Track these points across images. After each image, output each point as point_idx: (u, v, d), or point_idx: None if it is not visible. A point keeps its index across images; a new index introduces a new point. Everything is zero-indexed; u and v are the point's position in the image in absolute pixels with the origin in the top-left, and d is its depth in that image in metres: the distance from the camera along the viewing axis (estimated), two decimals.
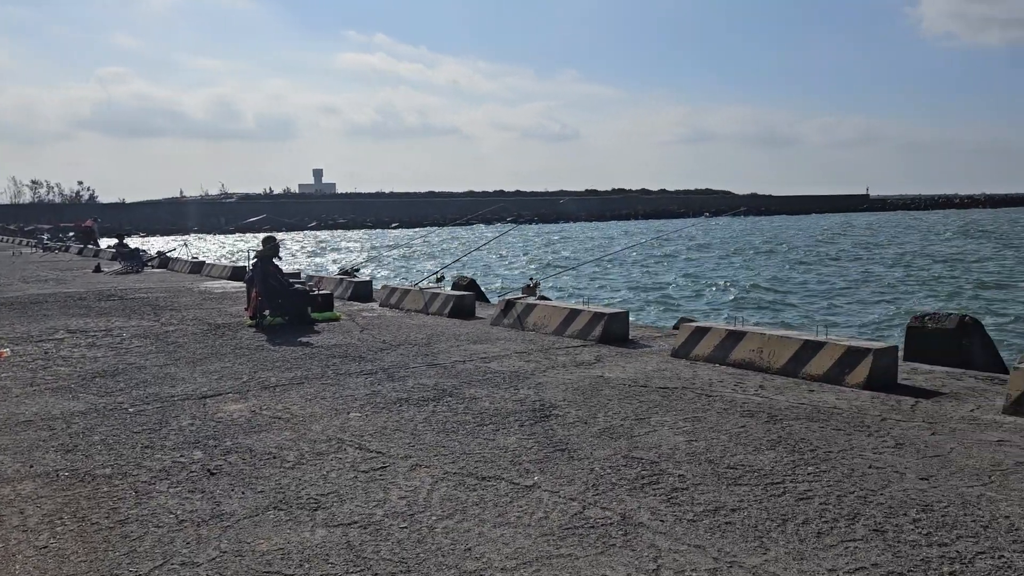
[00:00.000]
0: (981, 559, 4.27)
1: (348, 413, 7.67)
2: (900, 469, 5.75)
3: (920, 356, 10.52)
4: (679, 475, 5.72)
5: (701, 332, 10.24)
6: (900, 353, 9.99)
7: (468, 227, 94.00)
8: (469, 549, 4.54)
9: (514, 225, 69.05)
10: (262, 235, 15.09)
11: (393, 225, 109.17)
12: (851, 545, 4.48)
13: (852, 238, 71.18)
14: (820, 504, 5.11)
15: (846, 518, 4.86)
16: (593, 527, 4.81)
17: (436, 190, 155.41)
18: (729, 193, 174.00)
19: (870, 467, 5.81)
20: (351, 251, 64.38)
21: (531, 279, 14.90)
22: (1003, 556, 4.29)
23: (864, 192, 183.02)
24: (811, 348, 8.97)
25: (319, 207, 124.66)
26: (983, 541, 4.49)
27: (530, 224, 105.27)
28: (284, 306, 14.01)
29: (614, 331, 11.59)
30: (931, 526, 4.72)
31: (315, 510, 5.19)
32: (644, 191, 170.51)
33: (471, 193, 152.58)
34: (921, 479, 5.54)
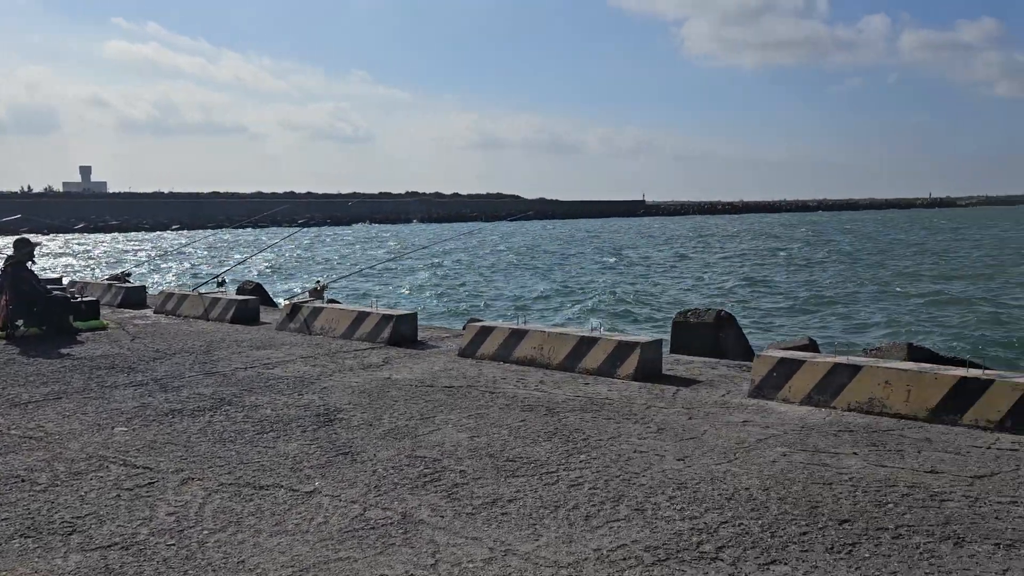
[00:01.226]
0: (724, 528, 4.74)
1: (112, 428, 7.11)
2: (661, 452, 6.25)
3: (684, 348, 11.50)
4: (460, 471, 5.85)
5: (486, 331, 10.52)
6: (667, 346, 10.86)
7: (261, 229, 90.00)
8: (242, 561, 4.38)
9: (300, 228, 67.04)
10: (13, 238, 13.58)
11: (173, 227, 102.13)
12: (615, 525, 4.81)
13: (630, 238, 76.19)
14: (589, 489, 5.43)
15: (612, 500, 5.21)
16: (373, 528, 4.81)
17: (222, 190, 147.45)
18: (519, 197, 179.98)
19: (635, 451, 6.26)
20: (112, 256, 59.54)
21: (318, 281, 14.57)
22: (742, 524, 4.79)
23: (641, 198, 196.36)
24: (586, 344, 9.51)
25: (88, 207, 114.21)
26: (727, 512, 4.99)
27: (322, 227, 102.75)
28: (41, 315, 12.72)
29: (403, 333, 11.62)
30: (684, 502, 5.18)
31: (69, 534, 4.77)
32: (438, 194, 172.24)
33: (260, 194, 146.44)
34: (678, 460, 6.05)
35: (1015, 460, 5.95)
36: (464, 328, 12.16)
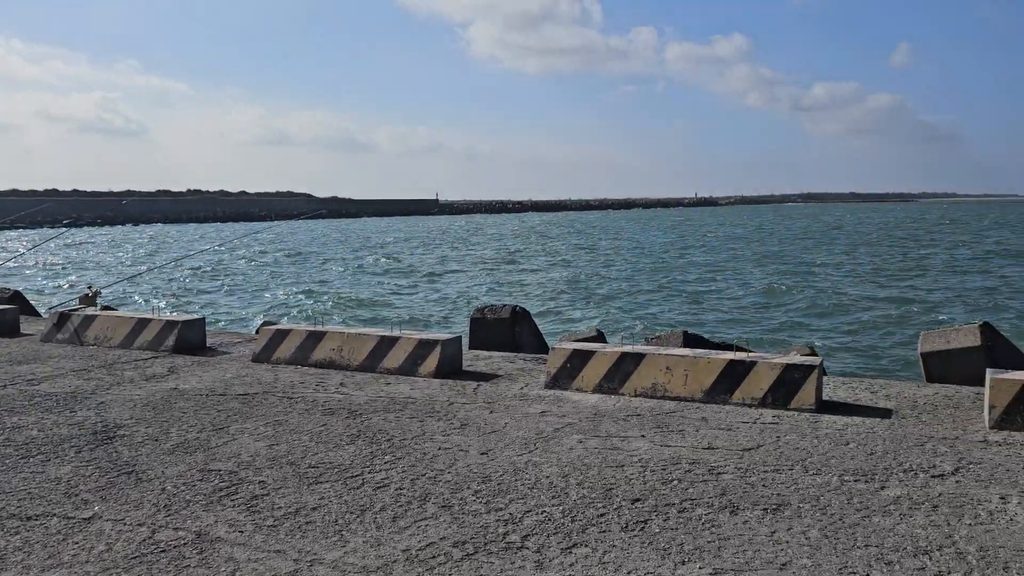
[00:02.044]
0: (528, 516, 4.90)
1: None
2: (465, 447, 6.35)
3: (482, 344, 11.74)
4: (259, 481, 5.61)
5: (282, 334, 10.15)
6: (466, 342, 11.03)
7: (20, 231, 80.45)
8: None
9: (66, 229, 60.94)
10: None
11: None
12: (423, 524, 4.82)
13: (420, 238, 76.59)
14: (396, 490, 5.40)
15: (419, 499, 5.22)
16: (164, 551, 4.48)
17: None
18: (311, 196, 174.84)
19: (440, 449, 6.31)
20: None
21: (89, 287, 13.32)
22: (545, 511, 4.98)
23: (435, 197, 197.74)
24: (387, 343, 9.44)
25: None
26: (530, 501, 5.17)
27: (93, 227, 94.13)
28: None
29: (189, 339, 10.93)
30: (489, 494, 5.30)
31: None
32: (223, 192, 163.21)
33: (15, 192, 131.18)
34: (482, 454, 6.17)
35: (776, 432, 6.65)
36: (257, 332, 11.64)
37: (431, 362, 9.09)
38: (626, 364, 8.15)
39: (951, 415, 7.15)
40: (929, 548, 4.36)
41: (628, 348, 8.39)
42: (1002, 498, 5.10)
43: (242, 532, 4.73)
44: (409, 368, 9.18)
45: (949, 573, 4.07)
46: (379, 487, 5.47)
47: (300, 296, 31.98)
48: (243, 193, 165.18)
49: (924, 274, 37.70)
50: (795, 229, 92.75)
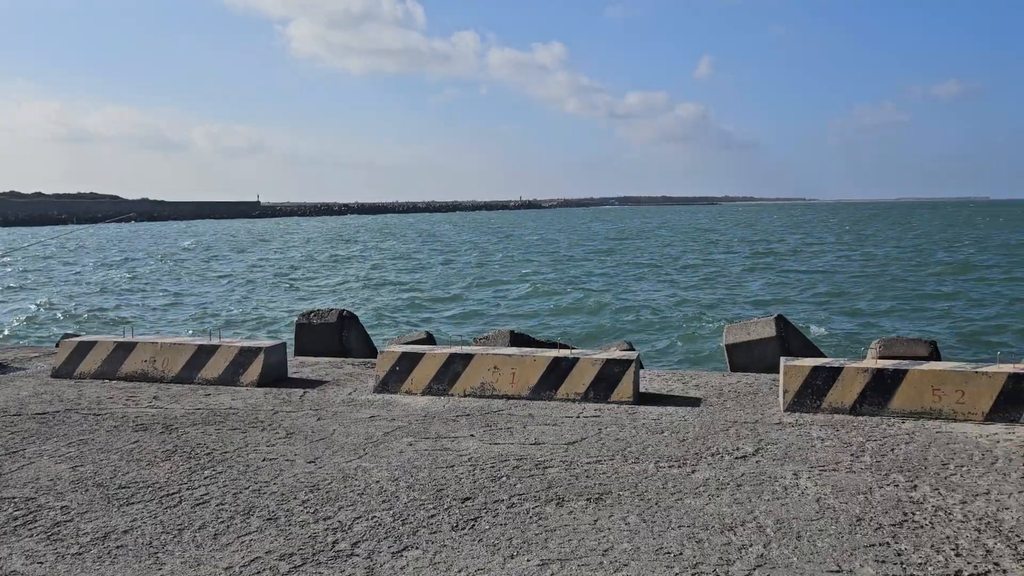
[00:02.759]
0: (358, 523, 4.84)
1: None
2: (291, 457, 6.17)
3: (309, 350, 11.43)
4: (62, 507, 5.17)
5: (86, 347, 9.40)
6: (291, 348, 10.70)
7: None
8: None
9: None
10: None
11: None
12: (247, 539, 4.64)
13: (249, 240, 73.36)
14: (217, 505, 5.16)
15: (242, 514, 5.02)
16: None
17: None
18: (118, 198, 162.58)
19: (264, 460, 6.10)
20: None
21: None
22: (375, 516, 4.94)
23: (256, 199, 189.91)
24: (206, 352, 8.99)
25: None
26: (359, 507, 5.10)
27: None
28: None
29: None
30: (318, 503, 5.18)
31: None
32: (14, 194, 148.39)
33: None
34: (309, 463, 6.02)
35: (597, 425, 6.96)
36: (58, 345, 10.70)
37: (254, 370, 8.75)
38: (455, 365, 8.23)
39: (752, 401, 7.78)
40: (734, 524, 4.74)
41: (457, 349, 8.48)
42: (795, 474, 5.62)
43: (42, 563, 4.35)
44: (231, 378, 8.78)
45: (751, 546, 4.44)
46: (198, 504, 5.20)
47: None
48: (38, 194, 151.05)
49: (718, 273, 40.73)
50: (594, 231, 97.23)
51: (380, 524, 4.82)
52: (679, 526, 4.72)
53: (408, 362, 8.38)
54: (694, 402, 7.78)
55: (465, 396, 8.06)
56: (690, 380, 8.83)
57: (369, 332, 12.89)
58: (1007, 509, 4.92)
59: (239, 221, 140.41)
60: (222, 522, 4.89)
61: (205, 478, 5.70)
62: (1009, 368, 7.07)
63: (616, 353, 8.37)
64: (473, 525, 4.79)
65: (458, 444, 6.45)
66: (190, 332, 22.05)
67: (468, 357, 8.24)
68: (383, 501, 5.20)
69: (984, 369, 7.07)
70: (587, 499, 5.19)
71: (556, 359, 8.03)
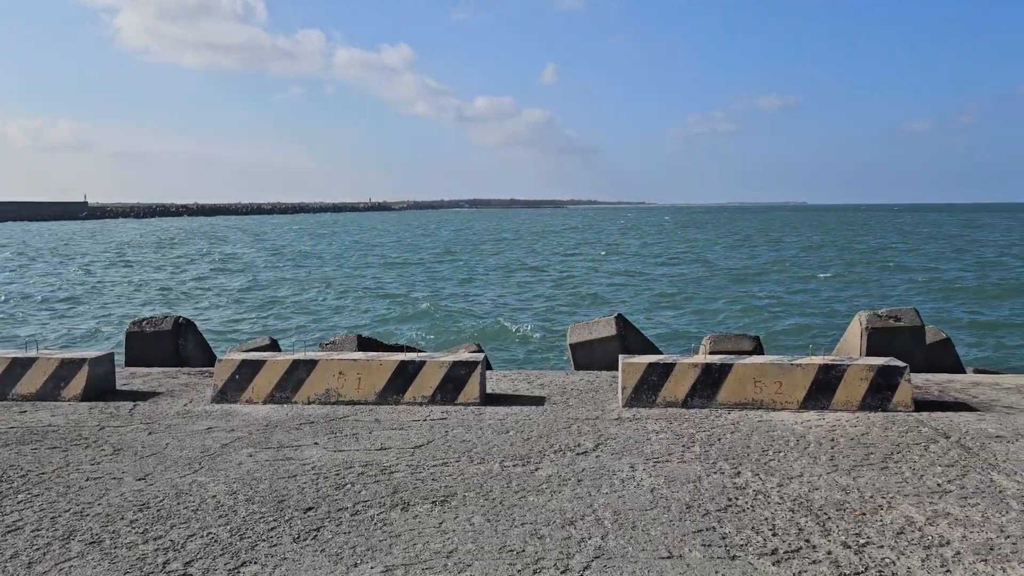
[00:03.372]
0: (192, 541, 4.62)
1: None
2: (118, 475, 5.79)
3: (141, 360, 10.77)
4: None
5: None
6: (120, 359, 10.05)
7: None
8: None
9: None
10: None
11: None
12: (67, 566, 4.32)
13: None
14: (32, 532, 4.77)
15: (61, 539, 4.66)
16: None
17: None
18: None
19: (88, 480, 5.69)
20: None
21: None
22: (211, 533, 4.73)
23: (83, 200, 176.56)
24: (21, 366, 8.28)
25: None
26: (193, 524, 4.87)
27: None
28: None
29: None
30: (148, 523, 4.90)
31: None
32: None
33: None
34: (139, 480, 5.68)
35: (444, 427, 6.99)
36: None
37: (77, 384, 8.15)
38: (299, 372, 8.02)
39: (593, 398, 8.07)
40: (574, 518, 4.90)
41: (300, 355, 8.26)
42: (631, 467, 5.88)
43: None
44: (51, 392, 8.14)
45: (590, 538, 4.60)
46: (10, 531, 4.79)
47: None
48: None
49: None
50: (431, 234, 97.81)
51: (216, 540, 4.63)
52: (522, 523, 4.83)
53: (248, 370, 8.07)
54: (539, 401, 7.98)
55: (309, 403, 7.87)
56: (535, 380, 9.04)
57: (212, 342, 12.32)
58: (817, 489, 5.38)
59: (63, 223, 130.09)
60: (38, 549, 4.52)
61: (19, 503, 5.25)
62: (819, 360, 7.72)
63: (463, 355, 8.44)
64: (316, 535, 4.69)
65: (301, 453, 6.29)
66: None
67: (312, 363, 8.05)
68: (220, 516, 4.99)
69: (798, 361, 7.68)
70: (432, 502, 5.20)
71: (403, 363, 7.99)
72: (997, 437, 6.60)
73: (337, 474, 5.76)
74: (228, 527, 4.81)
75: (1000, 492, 5.31)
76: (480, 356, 8.28)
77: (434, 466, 5.94)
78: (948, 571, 4.16)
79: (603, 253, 57.60)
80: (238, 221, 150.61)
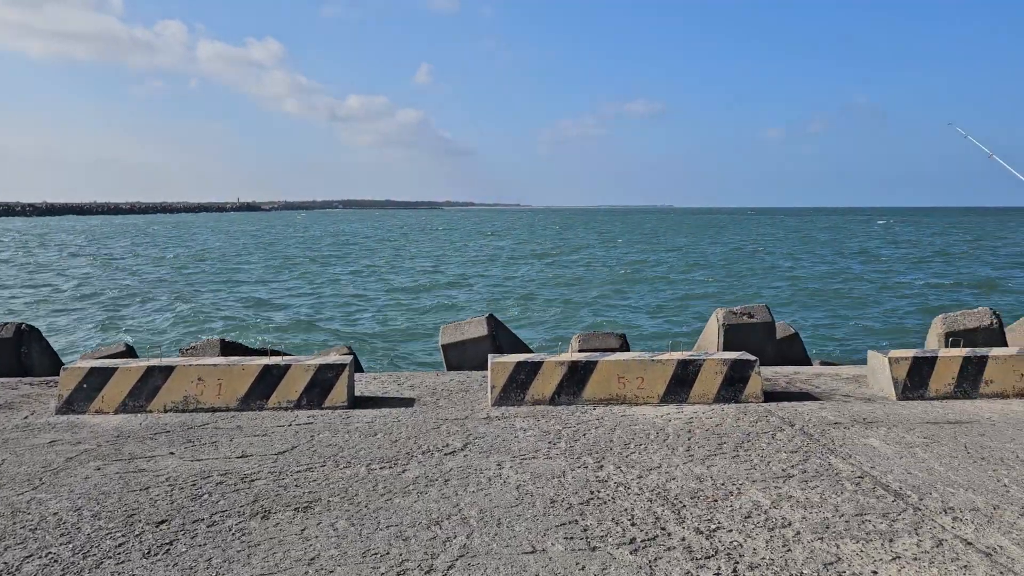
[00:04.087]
0: (29, 563, 4.31)
1: None
2: None
3: None
4: None
5: None
6: None
7: None
8: None
9: None
10: None
11: None
12: None
13: None
14: None
15: None
16: None
17: None
18: None
19: None
20: None
21: None
22: (50, 553, 4.43)
23: None
24: None
25: None
26: (31, 544, 4.54)
27: None
28: None
29: None
30: None
31: None
32: None
33: None
34: None
35: (310, 431, 6.84)
36: None
37: None
38: (154, 379, 7.63)
39: (463, 398, 8.10)
40: (440, 519, 4.90)
41: (155, 362, 7.86)
42: (498, 464, 5.95)
43: None
44: None
45: (455, 537, 4.62)
46: None
47: None
48: None
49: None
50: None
51: (57, 560, 4.33)
52: (388, 526, 4.79)
53: (98, 378, 7.61)
54: (408, 403, 7.93)
55: (166, 412, 7.50)
56: (405, 381, 8.98)
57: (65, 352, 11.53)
58: (674, 479, 5.61)
59: None
60: None
61: None
62: (679, 356, 8.06)
63: (331, 358, 8.27)
64: (168, 549, 4.47)
65: (155, 464, 5.99)
66: None
67: (169, 369, 7.67)
68: (62, 535, 4.68)
69: (659, 357, 7.99)
70: (295, 509, 5.07)
71: (267, 367, 7.75)
72: (835, 424, 7.10)
73: (194, 484, 5.52)
74: (71, 546, 4.52)
75: (837, 474, 5.71)
76: (348, 359, 8.14)
77: (298, 472, 5.79)
78: (789, 550, 4.43)
79: (479, 256, 57.95)
80: (81, 222, 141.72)
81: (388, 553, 4.41)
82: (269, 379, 7.70)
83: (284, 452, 6.27)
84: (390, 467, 5.91)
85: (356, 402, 7.90)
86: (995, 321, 10.44)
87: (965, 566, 4.24)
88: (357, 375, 9.28)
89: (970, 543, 4.53)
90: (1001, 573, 4.17)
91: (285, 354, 9.31)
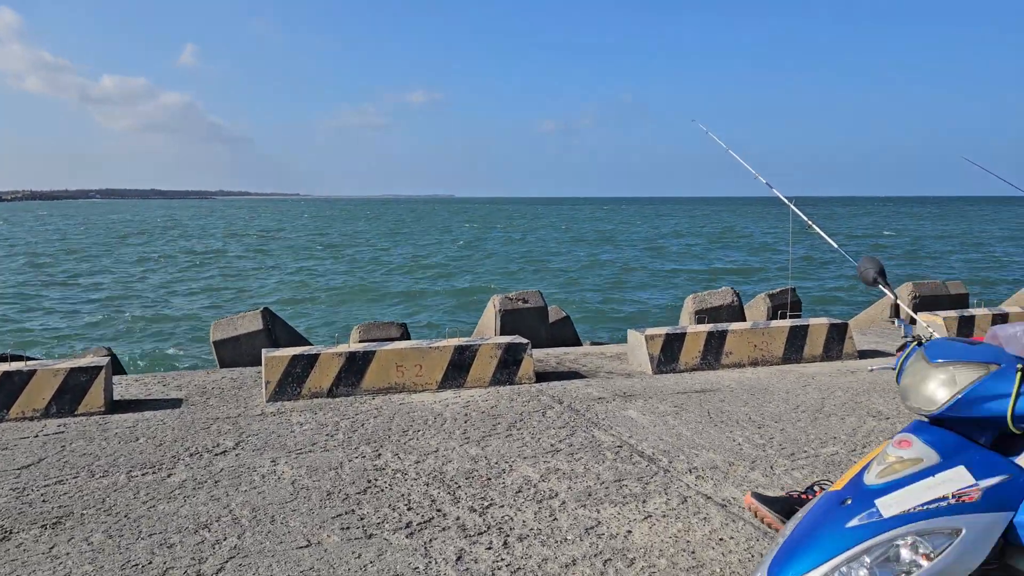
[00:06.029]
0: None
1: None
2: None
3: None
4: None
5: None
6: None
7: None
8: None
9: None
10: None
11: None
12: None
13: None
14: None
15: None
16: None
17: None
18: None
19: None
20: None
21: None
22: None
23: None
24: None
25: None
26: None
27: None
28: None
29: None
30: None
31: None
32: None
33: None
34: None
35: (61, 441, 6.27)
36: None
37: None
38: None
39: (236, 395, 7.78)
40: (209, 521, 4.70)
41: None
42: (273, 461, 5.80)
43: None
44: None
45: (225, 539, 4.46)
46: None
47: None
48: None
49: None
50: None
51: None
52: (150, 534, 4.52)
53: None
54: (175, 403, 7.49)
55: None
56: (171, 381, 8.47)
57: None
58: (450, 462, 5.77)
59: None
60: None
61: None
62: (455, 342, 8.27)
63: (84, 360, 7.61)
64: None
65: None
66: None
67: None
68: None
69: (436, 344, 8.15)
70: (42, 526, 4.65)
71: (6, 373, 6.99)
72: (599, 399, 7.64)
73: None
74: None
75: (599, 446, 6.16)
76: (104, 360, 7.53)
77: (46, 486, 5.30)
78: (555, 519, 4.73)
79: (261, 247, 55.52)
80: None
81: (151, 563, 4.17)
82: (10, 386, 6.94)
83: (29, 466, 5.70)
84: (153, 472, 5.57)
85: (116, 406, 7.34)
86: (735, 299, 11.70)
87: (705, 518, 4.76)
88: (117, 377, 8.61)
89: (709, 497, 5.09)
90: (733, 520, 4.72)
91: (30, 358, 8.43)
